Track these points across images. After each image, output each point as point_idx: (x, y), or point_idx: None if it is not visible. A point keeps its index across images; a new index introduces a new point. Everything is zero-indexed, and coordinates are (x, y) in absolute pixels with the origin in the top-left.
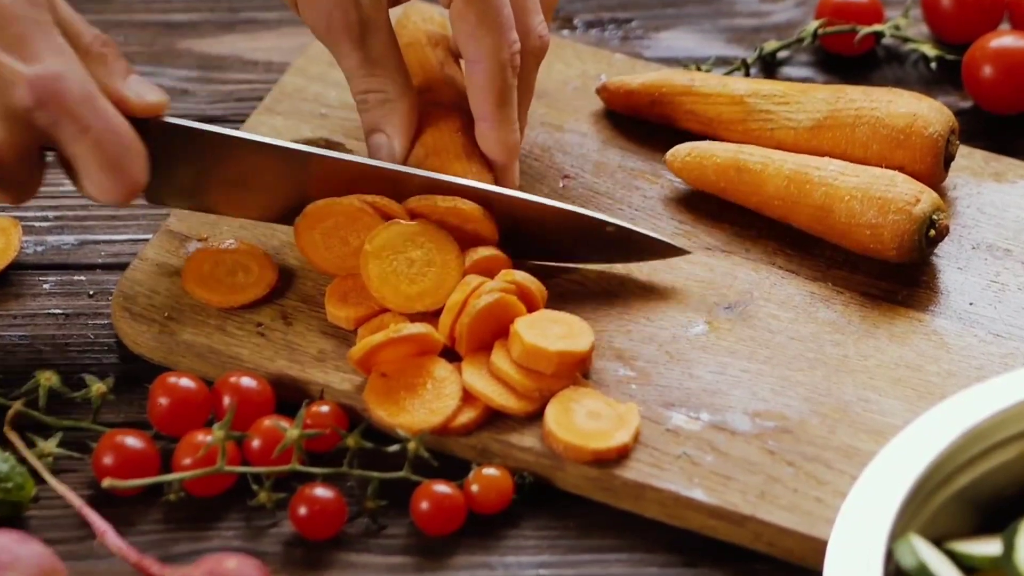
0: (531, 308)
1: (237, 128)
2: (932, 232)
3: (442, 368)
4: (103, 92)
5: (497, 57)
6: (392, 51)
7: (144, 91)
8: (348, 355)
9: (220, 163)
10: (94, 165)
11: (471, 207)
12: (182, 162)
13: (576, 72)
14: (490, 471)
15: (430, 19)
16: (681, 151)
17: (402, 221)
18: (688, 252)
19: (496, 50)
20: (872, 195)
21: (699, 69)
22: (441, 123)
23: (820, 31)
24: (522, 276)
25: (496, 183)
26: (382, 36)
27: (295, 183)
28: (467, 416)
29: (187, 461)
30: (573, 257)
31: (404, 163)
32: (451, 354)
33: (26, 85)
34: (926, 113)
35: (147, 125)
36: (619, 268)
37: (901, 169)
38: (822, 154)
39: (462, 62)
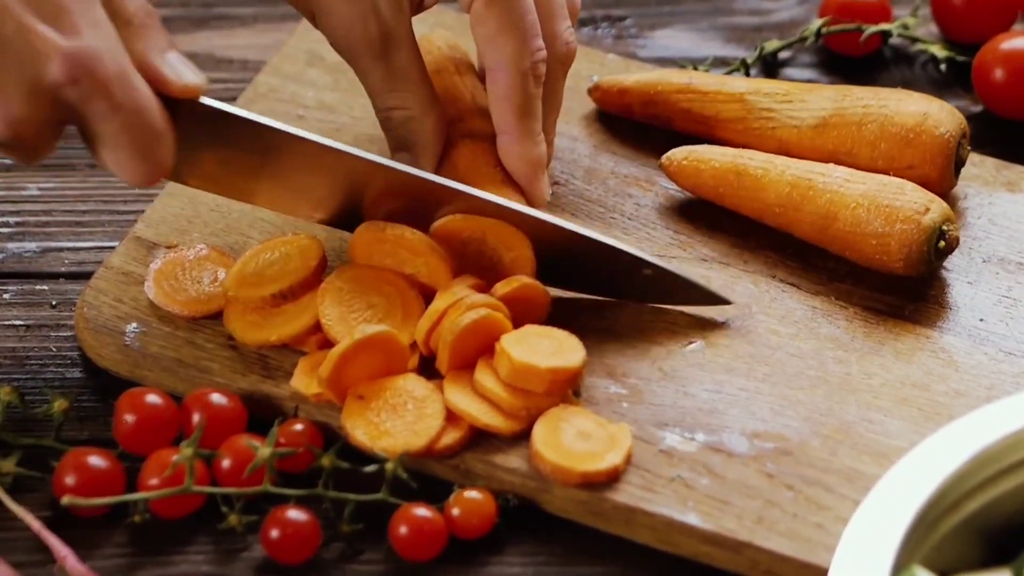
0: (536, 316)
1: None
2: (941, 243)
3: (422, 387)
4: (140, 67)
5: (519, 65)
6: (416, 65)
7: (183, 71)
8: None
9: (251, 152)
10: (121, 146)
11: (417, 237)
12: (210, 145)
13: None
14: (472, 494)
15: (455, 47)
16: (678, 154)
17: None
18: (729, 303)
19: (518, 57)
20: (879, 203)
21: (696, 70)
22: (478, 156)
23: (824, 30)
24: (527, 281)
25: (524, 200)
26: (405, 49)
27: (328, 181)
28: (452, 437)
29: (153, 481)
30: (606, 291)
31: None
32: (427, 372)
33: (60, 60)
34: (937, 113)
35: (179, 105)
36: None
37: (910, 170)
38: (827, 154)
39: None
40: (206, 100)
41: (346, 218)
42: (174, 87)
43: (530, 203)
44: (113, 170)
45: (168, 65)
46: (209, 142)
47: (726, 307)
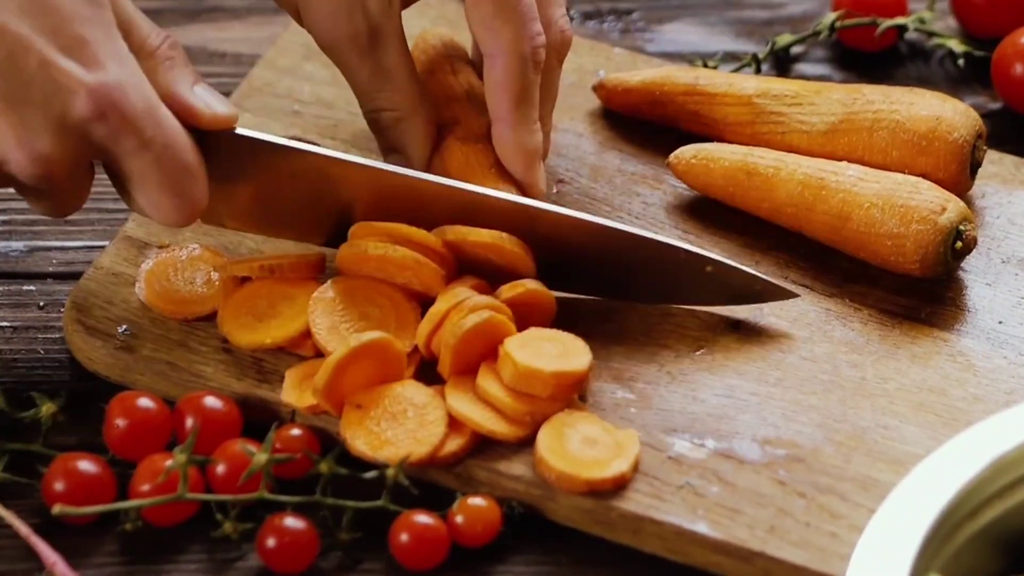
0: (541, 322)
1: None
2: (959, 244)
3: (422, 394)
4: (167, 101)
5: (517, 50)
6: (404, 62)
7: (213, 102)
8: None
9: (289, 180)
10: (153, 184)
11: (402, 253)
12: (245, 179)
13: (572, 67)
14: (476, 501)
15: (451, 43)
16: (686, 153)
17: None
18: (797, 295)
19: (515, 43)
20: (894, 203)
21: (705, 65)
22: (472, 157)
23: (838, 24)
24: (533, 286)
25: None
26: (393, 46)
27: (367, 202)
28: (455, 444)
29: (145, 487)
30: (641, 294)
31: None
32: (425, 377)
33: (86, 95)
34: (950, 116)
35: (209, 138)
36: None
37: (923, 177)
38: (838, 160)
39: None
40: (241, 131)
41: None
42: (204, 119)
43: (526, 196)
44: (146, 210)
45: (197, 97)
46: (244, 175)
47: (736, 309)
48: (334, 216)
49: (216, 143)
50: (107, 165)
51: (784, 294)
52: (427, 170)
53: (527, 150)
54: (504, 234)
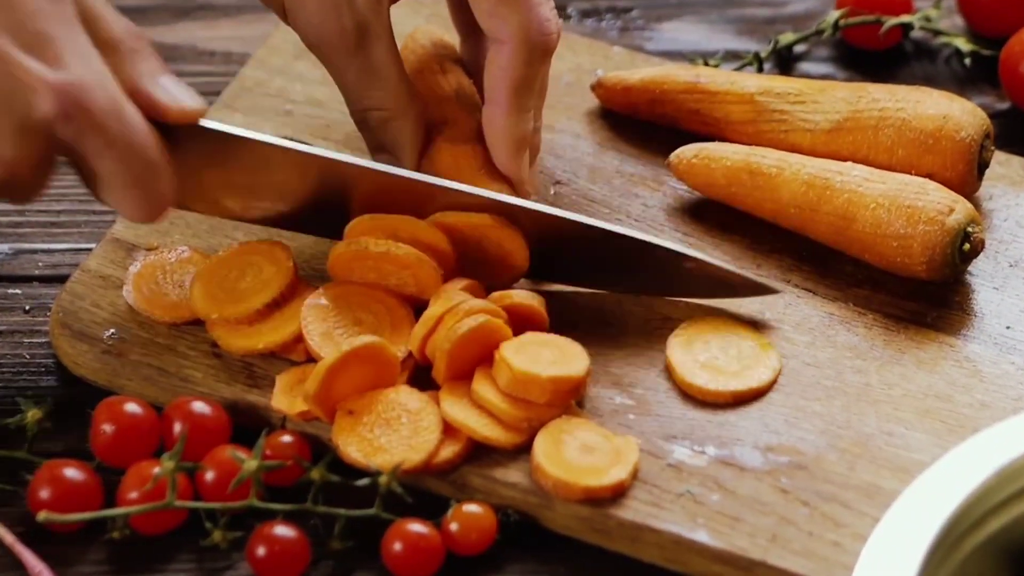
0: (536, 328)
1: None
2: (966, 246)
3: (415, 399)
4: (132, 95)
5: (524, 37)
6: (393, 61)
7: (179, 95)
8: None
9: (253, 171)
10: (118, 183)
11: (405, 251)
12: (211, 168)
13: (569, 66)
14: (471, 508)
15: (440, 42)
16: (687, 152)
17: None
18: (779, 291)
19: (523, 29)
20: (900, 203)
21: (706, 64)
22: (460, 159)
23: (841, 22)
24: (523, 295)
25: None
26: (381, 44)
27: (330, 194)
28: (450, 451)
29: (133, 495)
30: (624, 285)
31: None
32: (419, 383)
33: (50, 94)
34: (958, 115)
35: (176, 130)
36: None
37: (929, 177)
38: (842, 159)
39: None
40: (205, 123)
41: (339, 225)
42: (171, 113)
43: (512, 188)
44: (114, 208)
45: (163, 90)
46: (209, 165)
47: (738, 311)
48: (313, 207)
49: (185, 134)
50: (73, 162)
51: (761, 290)
52: (417, 170)
53: (516, 137)
54: (497, 217)
